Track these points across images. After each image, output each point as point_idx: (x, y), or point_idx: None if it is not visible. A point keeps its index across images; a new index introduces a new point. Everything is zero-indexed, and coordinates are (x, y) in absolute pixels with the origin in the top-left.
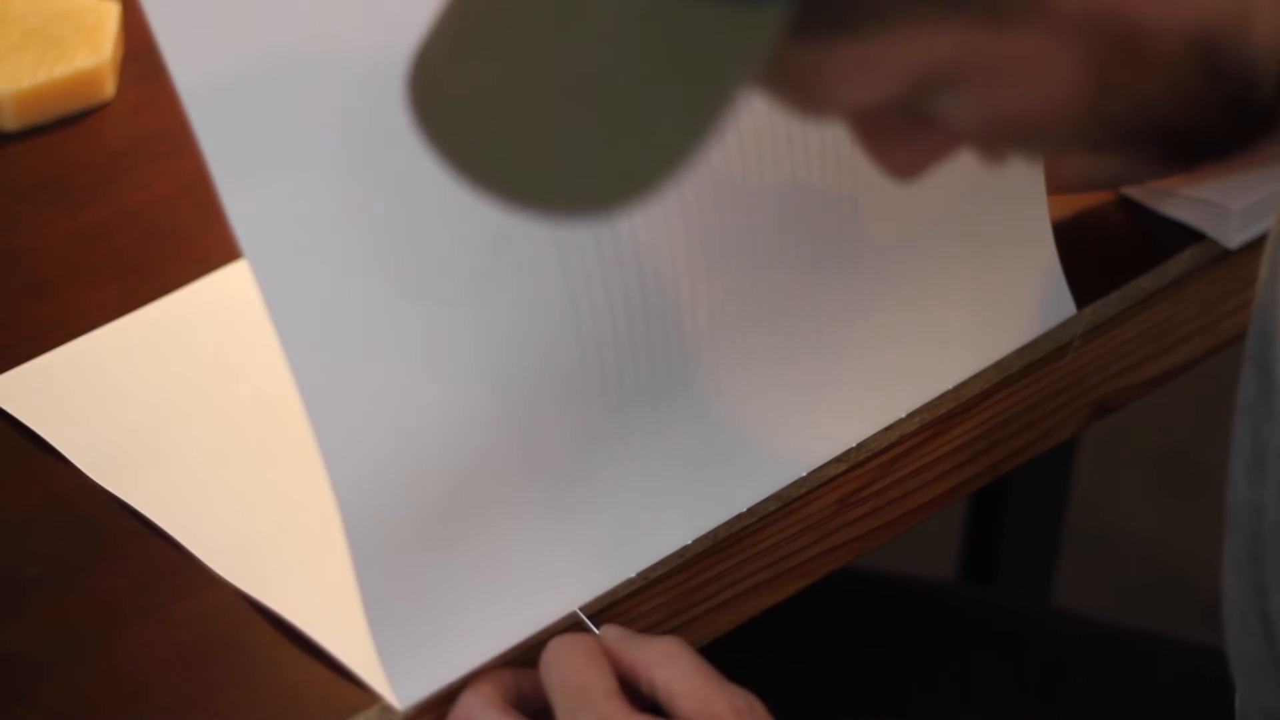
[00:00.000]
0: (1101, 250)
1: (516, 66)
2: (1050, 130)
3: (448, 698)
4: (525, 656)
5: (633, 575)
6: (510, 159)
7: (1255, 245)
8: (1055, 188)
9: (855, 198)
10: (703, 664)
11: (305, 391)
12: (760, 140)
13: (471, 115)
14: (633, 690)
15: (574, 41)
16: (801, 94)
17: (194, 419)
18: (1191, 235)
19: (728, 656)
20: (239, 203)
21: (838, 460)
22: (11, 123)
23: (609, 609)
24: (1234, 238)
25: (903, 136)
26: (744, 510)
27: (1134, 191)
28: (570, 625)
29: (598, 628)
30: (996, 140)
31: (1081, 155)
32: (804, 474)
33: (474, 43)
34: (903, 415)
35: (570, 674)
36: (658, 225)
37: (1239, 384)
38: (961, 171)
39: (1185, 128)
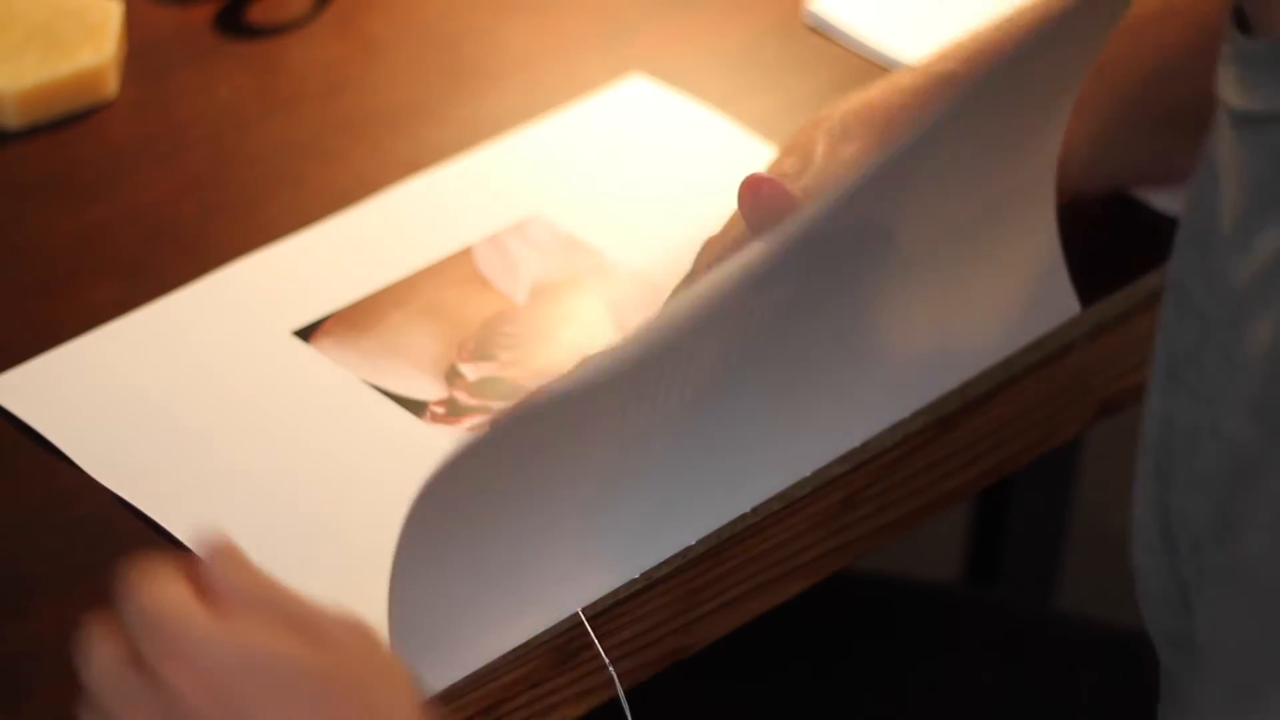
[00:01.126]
0: (1106, 249)
1: None
2: None
3: (448, 698)
4: (525, 656)
5: (636, 576)
6: None
7: None
8: (1062, 187)
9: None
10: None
11: None
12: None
13: None
14: None
15: None
16: None
17: (195, 418)
18: None
19: (729, 656)
20: None
21: (841, 460)
22: (14, 121)
23: (613, 609)
24: None
25: None
26: (748, 510)
27: (1139, 190)
28: (572, 626)
29: (597, 629)
30: None
31: None
32: (808, 473)
33: None
34: (906, 415)
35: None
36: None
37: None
38: (970, 175)
39: None
